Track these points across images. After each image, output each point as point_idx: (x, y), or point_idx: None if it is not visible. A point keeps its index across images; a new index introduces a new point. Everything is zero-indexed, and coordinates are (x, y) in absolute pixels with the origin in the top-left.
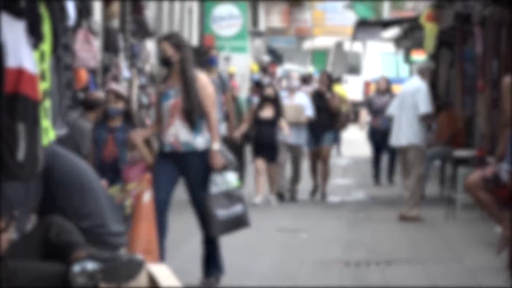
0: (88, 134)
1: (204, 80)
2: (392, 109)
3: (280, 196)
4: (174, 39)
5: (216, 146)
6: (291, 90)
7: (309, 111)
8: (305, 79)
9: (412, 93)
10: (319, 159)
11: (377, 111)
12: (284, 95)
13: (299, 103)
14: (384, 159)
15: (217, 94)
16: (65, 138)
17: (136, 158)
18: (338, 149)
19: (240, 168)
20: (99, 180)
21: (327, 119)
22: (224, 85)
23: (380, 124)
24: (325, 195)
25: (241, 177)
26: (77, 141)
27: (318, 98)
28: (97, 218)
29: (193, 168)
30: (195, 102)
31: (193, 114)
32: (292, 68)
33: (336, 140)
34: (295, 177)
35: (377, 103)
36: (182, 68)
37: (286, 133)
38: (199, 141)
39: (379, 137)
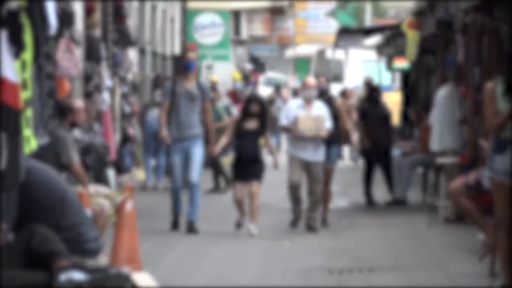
0: (67, 142)
1: None
2: (433, 117)
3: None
4: None
5: None
6: (308, 101)
7: (328, 123)
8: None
9: (449, 98)
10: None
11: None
12: (298, 104)
13: (319, 114)
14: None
15: (195, 104)
16: (46, 147)
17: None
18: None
19: (216, 179)
20: (72, 190)
21: (334, 130)
22: (203, 93)
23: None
24: (326, 221)
25: (218, 188)
26: (57, 150)
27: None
28: (76, 228)
29: None
30: None
31: None
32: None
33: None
34: (313, 203)
35: (371, 112)
36: None
37: (268, 146)
38: None
39: (371, 150)
